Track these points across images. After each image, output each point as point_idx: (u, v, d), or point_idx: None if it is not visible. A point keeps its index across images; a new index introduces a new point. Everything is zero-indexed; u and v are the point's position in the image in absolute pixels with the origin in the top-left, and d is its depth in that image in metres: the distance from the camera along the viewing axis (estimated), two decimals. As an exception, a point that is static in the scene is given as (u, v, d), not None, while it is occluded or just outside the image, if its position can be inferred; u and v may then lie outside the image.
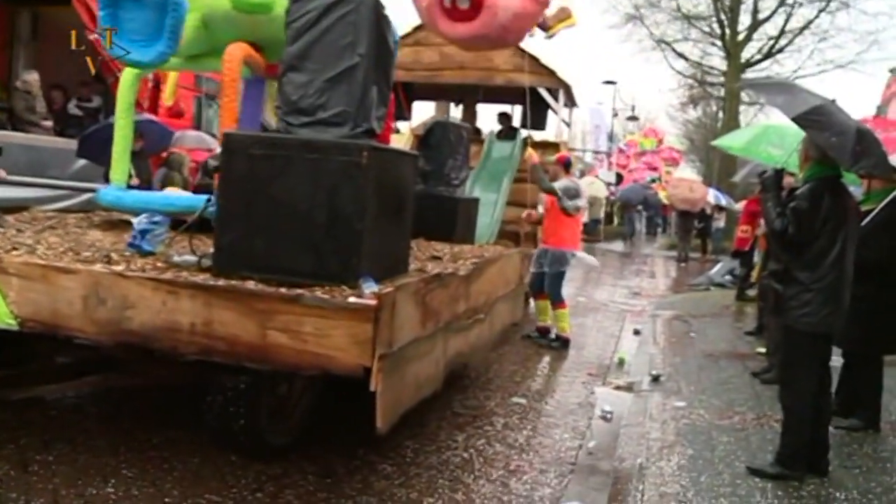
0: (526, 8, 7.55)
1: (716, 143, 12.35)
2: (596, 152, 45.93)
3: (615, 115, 42.77)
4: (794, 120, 5.23)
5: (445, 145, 8.74)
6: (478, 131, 14.04)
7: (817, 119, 5.14)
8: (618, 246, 31.21)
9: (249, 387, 4.68)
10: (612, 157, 42.37)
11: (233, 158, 4.55)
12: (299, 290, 4.15)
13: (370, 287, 4.19)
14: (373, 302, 4.01)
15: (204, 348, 4.23)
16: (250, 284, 4.25)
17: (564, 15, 11.01)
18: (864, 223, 5.77)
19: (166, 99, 9.56)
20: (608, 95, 41.65)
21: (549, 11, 11.28)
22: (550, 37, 10.91)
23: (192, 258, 4.69)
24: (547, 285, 9.89)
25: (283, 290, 4.17)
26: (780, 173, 5.36)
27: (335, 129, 4.60)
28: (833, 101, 5.39)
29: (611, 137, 42.60)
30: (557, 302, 9.96)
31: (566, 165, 10.11)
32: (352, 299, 4.07)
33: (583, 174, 34.73)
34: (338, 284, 4.26)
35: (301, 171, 4.40)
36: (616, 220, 38.54)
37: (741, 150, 9.81)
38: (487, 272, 6.73)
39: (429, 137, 8.97)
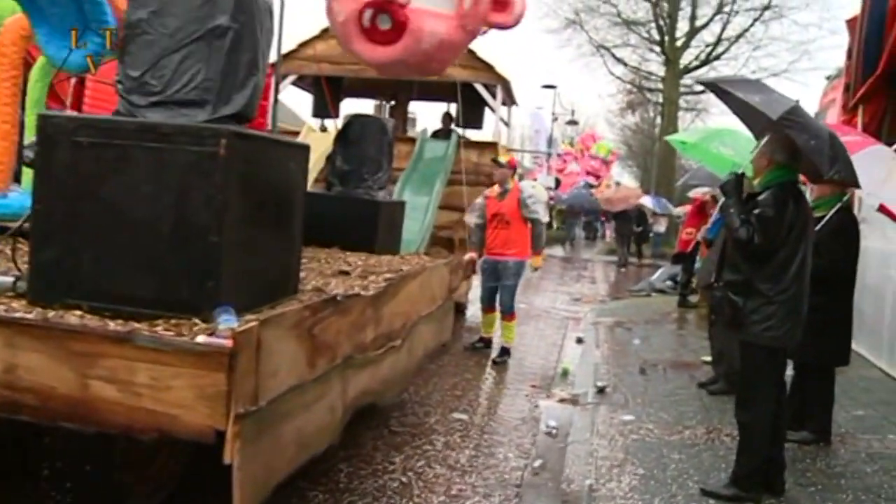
0: (453, 37, 6.80)
1: (669, 137, 11.82)
2: (535, 156, 45.74)
3: (555, 119, 42.57)
4: (778, 120, 4.78)
5: (365, 142, 7.93)
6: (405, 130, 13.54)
7: (798, 120, 4.87)
8: (558, 251, 31.08)
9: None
10: (552, 161, 42.22)
11: (51, 148, 3.47)
12: (134, 326, 3.17)
13: (227, 322, 3.17)
14: (227, 343, 2.99)
15: (6, 403, 3.16)
16: (73, 317, 3.23)
17: None
18: (816, 231, 5.53)
19: None
20: (548, 100, 41.60)
21: None
22: (485, 31, 10.20)
23: (5, 279, 3.59)
24: (504, 298, 9.48)
25: (111, 325, 3.19)
26: (740, 178, 5.14)
27: (191, 111, 3.63)
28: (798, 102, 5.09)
29: (550, 142, 42.37)
30: (509, 313, 9.56)
31: (515, 170, 9.58)
32: (200, 339, 3.06)
33: (521, 177, 34.30)
34: (189, 316, 3.32)
35: (141, 165, 3.41)
36: (556, 225, 38.30)
37: (693, 146, 9.25)
38: (406, 289, 5.85)
39: (346, 133, 8.12)
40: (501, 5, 6.84)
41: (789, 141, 4.89)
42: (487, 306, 9.66)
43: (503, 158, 9.50)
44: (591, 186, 40.97)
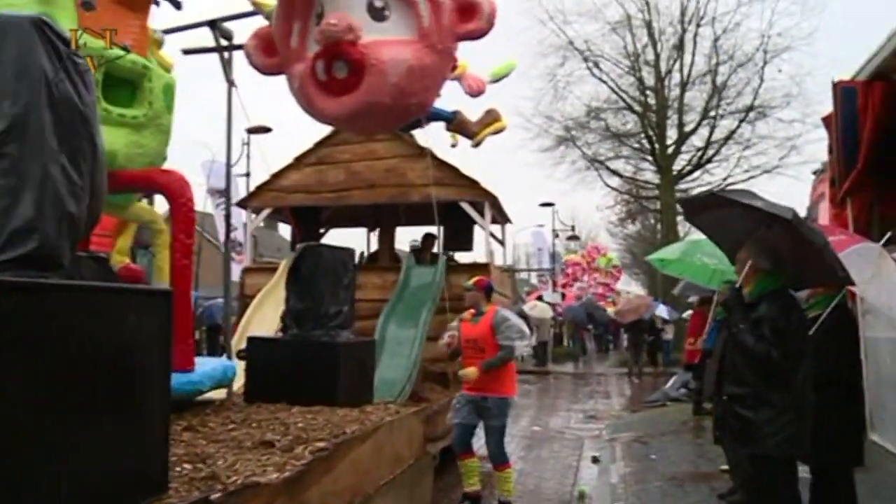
0: (422, 60, 5.98)
1: (649, 257, 11.86)
2: (540, 274, 45.87)
3: (556, 235, 42.83)
4: (795, 218, 4.88)
5: (321, 276, 7.09)
6: (396, 258, 13.09)
7: (805, 220, 5.08)
8: (569, 367, 30.69)
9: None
10: (557, 277, 42.34)
11: None
12: None
13: None
14: None
15: None
16: None
17: (491, 118, 10.01)
18: (812, 331, 5.46)
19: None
20: (548, 217, 42.04)
21: (474, 116, 10.65)
22: (477, 144, 10.10)
23: None
24: (491, 444, 7.96)
25: None
26: (739, 291, 5.13)
27: None
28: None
29: (553, 258, 42.57)
30: (501, 462, 8.01)
31: (487, 292, 8.27)
32: None
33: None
34: None
35: None
36: (566, 341, 38.08)
37: (675, 262, 9.35)
38: (349, 458, 4.98)
39: (298, 267, 7.20)
40: (467, 13, 6.14)
41: (769, 246, 4.96)
42: (462, 450, 8.07)
43: (469, 282, 8.35)
44: (604, 299, 41.08)
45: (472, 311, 8.15)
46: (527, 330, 8.16)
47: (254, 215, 12.70)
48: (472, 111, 9.88)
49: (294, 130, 11.19)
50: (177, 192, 5.96)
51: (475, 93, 8.75)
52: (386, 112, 6.23)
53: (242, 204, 12.95)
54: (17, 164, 2.88)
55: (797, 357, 4.83)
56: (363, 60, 5.79)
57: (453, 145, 11.11)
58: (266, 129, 20.94)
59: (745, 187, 30.18)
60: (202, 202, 20.16)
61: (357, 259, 14.54)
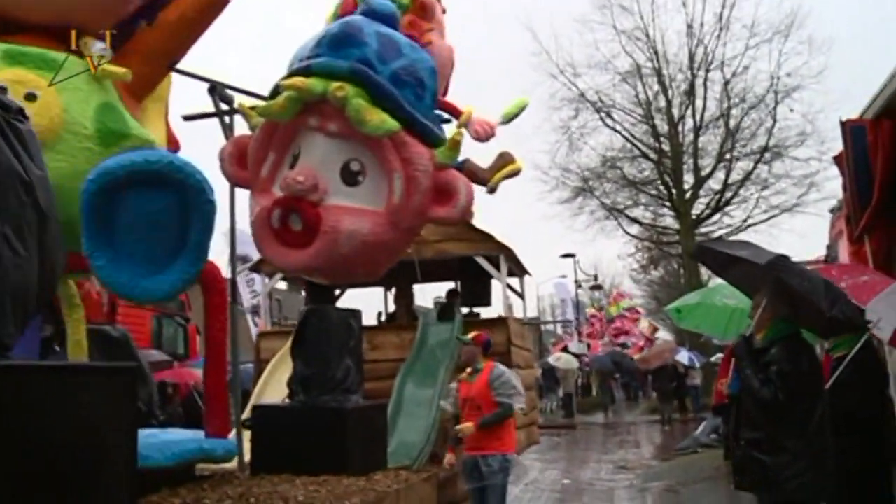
0: (381, 237, 5.69)
1: (667, 308, 11.65)
2: (564, 326, 45.71)
3: (579, 286, 42.72)
4: (766, 265, 5.01)
5: (327, 339, 6.93)
6: (415, 316, 12.84)
7: (786, 265, 5.08)
8: (599, 417, 30.42)
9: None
10: (581, 328, 42.15)
11: None
12: None
13: None
14: None
15: None
16: None
17: (504, 162, 9.90)
18: (839, 372, 5.58)
19: None
20: (570, 268, 41.84)
21: (486, 162, 10.54)
22: (492, 190, 9.97)
23: None
24: (490, 502, 7.64)
25: None
26: (749, 340, 5.18)
27: None
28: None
29: (577, 309, 42.37)
30: None
31: (486, 347, 7.96)
32: None
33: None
34: None
35: None
36: (594, 391, 37.77)
37: (694, 309, 9.17)
38: None
39: (302, 331, 7.07)
40: (444, 197, 5.85)
41: (788, 294, 4.96)
42: None
43: (468, 337, 8.06)
44: (625, 346, 40.87)
45: (468, 370, 7.87)
46: (521, 387, 7.84)
47: (267, 279, 12.65)
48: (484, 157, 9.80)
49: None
50: (212, 277, 6.23)
51: (483, 137, 8.60)
52: (330, 276, 6.13)
53: (255, 268, 12.91)
54: None
55: (808, 401, 4.82)
56: (318, 225, 5.54)
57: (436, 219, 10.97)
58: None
59: (767, 227, 30.24)
60: (225, 269, 20.30)
61: (376, 320, 14.52)
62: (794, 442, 4.76)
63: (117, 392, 3.06)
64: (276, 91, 5.87)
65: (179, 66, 6.27)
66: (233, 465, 7.02)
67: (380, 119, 5.47)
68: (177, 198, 4.70)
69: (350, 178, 5.70)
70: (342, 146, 5.64)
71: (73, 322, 6.54)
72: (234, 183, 6.42)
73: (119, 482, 3.01)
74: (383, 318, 14.70)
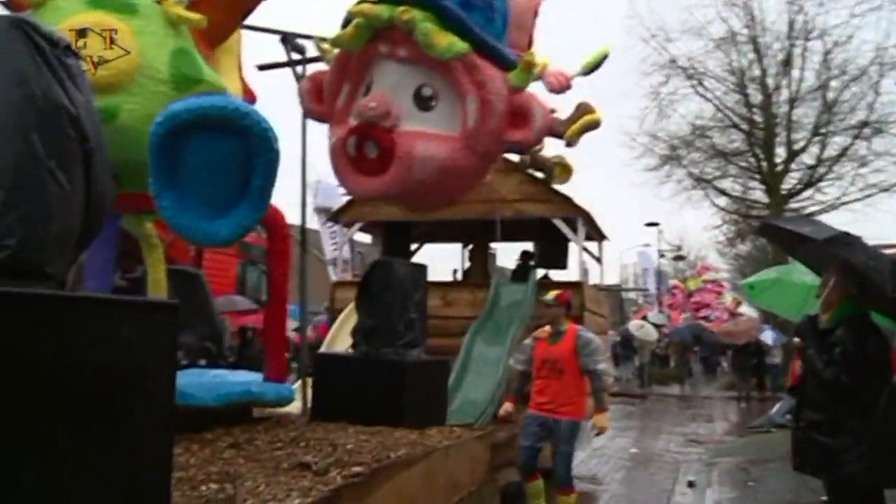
0: (458, 162, 5.75)
1: (742, 283, 11.38)
2: (645, 294, 45.33)
3: (662, 255, 42.23)
4: (827, 241, 4.90)
5: (391, 292, 6.86)
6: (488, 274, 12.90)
7: (850, 242, 4.94)
8: (674, 389, 30.17)
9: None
10: (662, 297, 41.73)
11: None
12: None
13: None
14: None
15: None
16: None
17: (580, 113, 9.51)
18: None
19: None
20: (653, 237, 41.42)
21: (563, 114, 10.26)
22: (570, 143, 9.63)
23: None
24: (558, 467, 7.49)
25: None
26: (813, 319, 5.10)
27: None
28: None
29: (659, 279, 41.91)
30: (566, 486, 7.54)
31: (568, 307, 7.79)
32: None
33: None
34: None
35: None
36: (672, 363, 37.39)
37: (769, 285, 8.91)
38: (388, 485, 4.70)
39: (367, 283, 7.01)
40: (520, 120, 5.87)
41: (855, 274, 4.82)
42: (527, 473, 7.58)
43: (550, 296, 7.76)
44: (708, 320, 40.26)
45: (548, 329, 7.66)
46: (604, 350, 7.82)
47: (346, 229, 12.75)
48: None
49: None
50: (276, 223, 6.32)
51: (558, 89, 8.38)
52: (407, 202, 6.26)
53: (334, 218, 13.02)
54: None
55: (874, 384, 4.66)
56: (393, 151, 5.67)
57: (523, 162, 10.83)
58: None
59: (862, 206, 29.11)
60: (309, 219, 20.58)
61: (451, 276, 14.56)
62: (857, 424, 4.63)
63: (158, 328, 3.09)
64: (347, 20, 5.85)
65: (252, 19, 6.31)
66: (297, 409, 7.18)
67: (448, 42, 5.43)
68: (241, 144, 4.71)
69: (423, 103, 5.76)
70: (413, 71, 5.65)
71: (153, 261, 6.73)
72: (313, 117, 6.47)
73: (157, 416, 3.06)
74: (458, 275, 14.72)
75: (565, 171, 10.55)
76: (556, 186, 11.18)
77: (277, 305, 6.74)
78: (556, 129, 9.69)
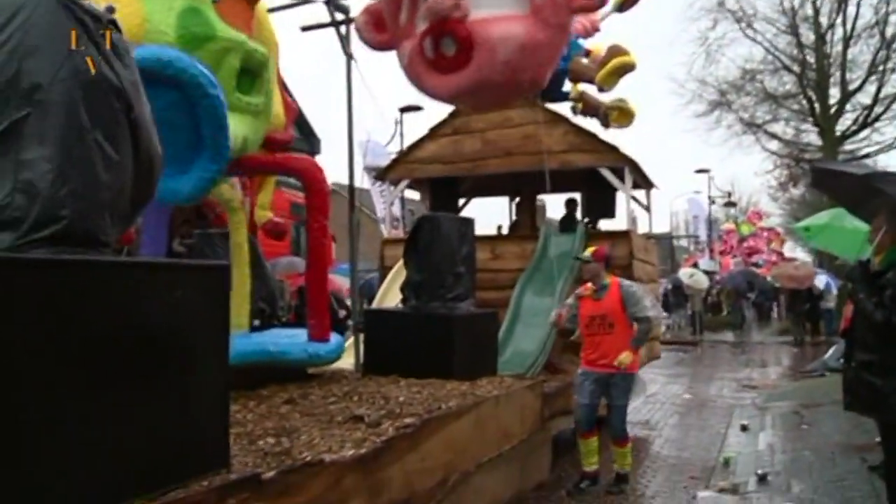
0: (536, 36, 5.69)
1: (796, 226, 11.22)
2: (696, 241, 44.89)
3: (712, 202, 41.69)
4: (869, 176, 5.01)
5: (438, 247, 6.89)
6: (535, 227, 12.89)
7: (886, 176, 5.05)
8: (727, 336, 29.92)
9: None
10: (714, 244, 41.27)
11: None
12: None
13: None
14: None
15: None
16: None
17: (611, 55, 9.23)
18: None
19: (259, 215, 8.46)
20: (704, 184, 40.77)
21: (592, 60, 10.02)
22: (602, 87, 9.36)
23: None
24: (615, 421, 7.54)
25: None
26: (865, 264, 5.11)
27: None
28: None
29: (710, 225, 41.45)
30: (623, 438, 7.63)
31: (607, 262, 7.69)
32: None
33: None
34: None
35: None
36: (724, 309, 37.12)
37: (823, 229, 8.80)
38: (440, 435, 4.75)
39: (415, 238, 7.06)
40: None
41: None
42: (586, 430, 7.52)
43: (587, 253, 7.67)
44: (758, 265, 39.81)
45: (591, 286, 7.58)
46: (654, 301, 7.78)
47: (393, 187, 12.80)
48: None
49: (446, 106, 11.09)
50: (313, 175, 6.30)
51: (583, 34, 8.23)
52: (497, 90, 6.07)
53: (381, 177, 13.08)
54: (42, 141, 2.83)
55: None
56: (471, 38, 5.63)
57: (574, 109, 10.73)
58: (417, 108, 21.40)
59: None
60: (359, 179, 20.66)
61: (496, 231, 14.56)
62: None
63: (210, 288, 3.24)
64: None
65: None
66: (349, 365, 7.25)
67: None
68: (179, 95, 4.73)
69: (488, -12, 5.65)
70: (472, -40, 5.53)
71: (234, 225, 6.82)
72: (376, 47, 6.44)
73: (213, 372, 3.23)
74: (504, 230, 14.70)
75: (624, 115, 10.39)
76: (605, 134, 11.09)
77: (317, 262, 6.53)
78: (586, 74, 9.55)
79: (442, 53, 5.74)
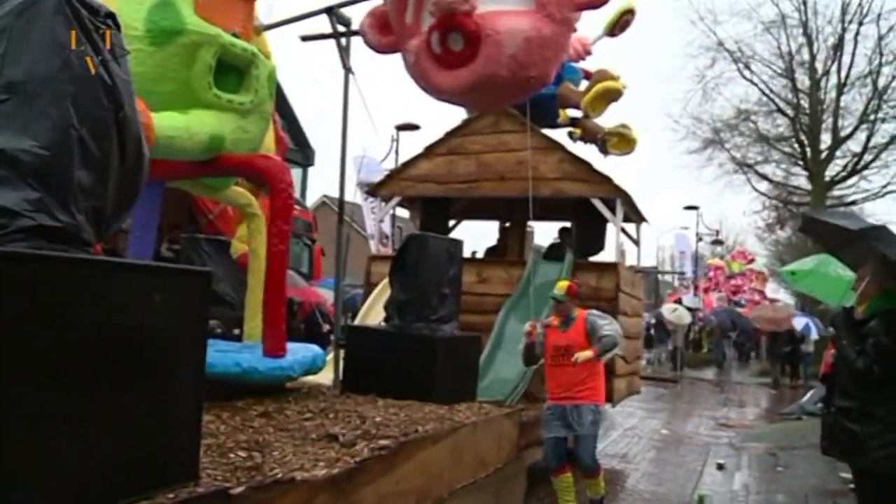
0: (541, 30, 5.64)
1: (782, 269, 11.29)
2: (681, 277, 45.01)
3: (699, 239, 41.82)
4: (861, 231, 5.04)
5: (424, 267, 6.83)
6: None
7: (880, 234, 5.02)
8: (707, 374, 29.99)
9: None
10: (699, 281, 41.36)
11: None
12: None
13: None
14: None
15: None
16: None
17: (597, 79, 9.26)
18: None
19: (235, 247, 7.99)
20: (692, 221, 40.89)
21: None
22: (588, 114, 9.26)
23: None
24: (583, 454, 7.28)
25: None
26: (849, 311, 5.19)
27: None
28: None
29: (696, 262, 41.57)
30: (593, 470, 7.42)
31: (578, 298, 7.65)
32: None
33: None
34: None
35: None
36: (705, 347, 37.19)
37: (808, 274, 8.86)
38: (415, 459, 4.68)
39: (402, 257, 7.00)
40: None
41: (891, 268, 4.84)
42: (556, 466, 7.32)
43: (560, 291, 7.41)
44: (739, 304, 39.98)
45: (556, 318, 7.51)
46: (619, 328, 7.52)
47: (384, 203, 12.77)
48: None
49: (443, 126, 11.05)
50: (276, 176, 6.01)
51: (575, 57, 8.21)
52: (504, 86, 5.95)
53: (372, 192, 13.04)
54: (24, 131, 2.76)
55: None
56: (479, 31, 5.57)
57: (572, 135, 10.71)
58: (414, 127, 21.41)
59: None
60: (352, 194, 20.61)
61: (484, 254, 14.51)
62: (885, 413, 4.72)
63: (189, 294, 3.17)
64: None
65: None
66: (327, 379, 7.16)
67: None
68: None
69: (493, -17, 5.69)
70: (478, -45, 5.57)
71: (252, 231, 6.66)
72: (381, 50, 6.39)
73: (187, 379, 3.15)
74: (479, 254, 14.64)
75: (625, 141, 10.36)
76: (602, 164, 11.07)
77: (275, 272, 5.97)
78: (572, 100, 9.52)
79: (449, 48, 5.68)
